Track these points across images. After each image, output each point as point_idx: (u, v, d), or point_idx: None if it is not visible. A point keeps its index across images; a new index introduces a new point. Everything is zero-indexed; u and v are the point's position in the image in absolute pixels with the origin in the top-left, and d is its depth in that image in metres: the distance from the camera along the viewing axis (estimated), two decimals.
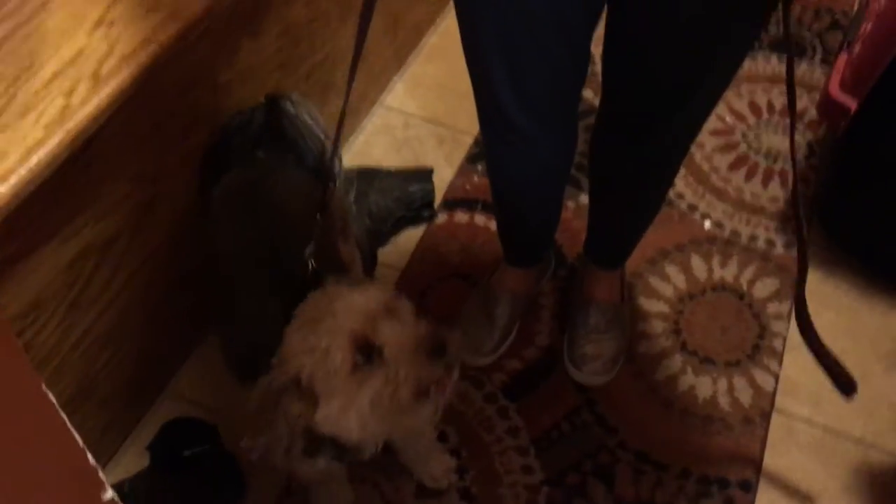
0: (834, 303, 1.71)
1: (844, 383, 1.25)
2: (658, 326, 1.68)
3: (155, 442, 1.34)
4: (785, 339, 1.65)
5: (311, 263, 1.14)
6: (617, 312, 1.61)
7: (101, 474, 0.67)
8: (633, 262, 1.71)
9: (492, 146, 1.37)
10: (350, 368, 0.98)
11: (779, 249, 1.78)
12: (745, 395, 1.57)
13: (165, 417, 1.45)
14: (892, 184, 1.61)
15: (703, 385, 1.59)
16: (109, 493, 0.67)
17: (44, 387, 0.61)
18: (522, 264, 1.62)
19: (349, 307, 1.01)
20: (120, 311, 1.32)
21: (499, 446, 1.51)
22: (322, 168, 1.42)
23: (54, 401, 0.62)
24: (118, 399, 1.42)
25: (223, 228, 1.32)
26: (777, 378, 1.60)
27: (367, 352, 0.99)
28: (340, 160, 1.68)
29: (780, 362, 1.62)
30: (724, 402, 1.56)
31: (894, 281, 1.72)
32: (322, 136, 1.50)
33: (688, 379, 1.60)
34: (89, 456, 0.66)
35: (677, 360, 1.62)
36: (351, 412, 1.01)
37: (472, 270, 1.76)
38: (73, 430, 0.64)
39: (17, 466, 0.59)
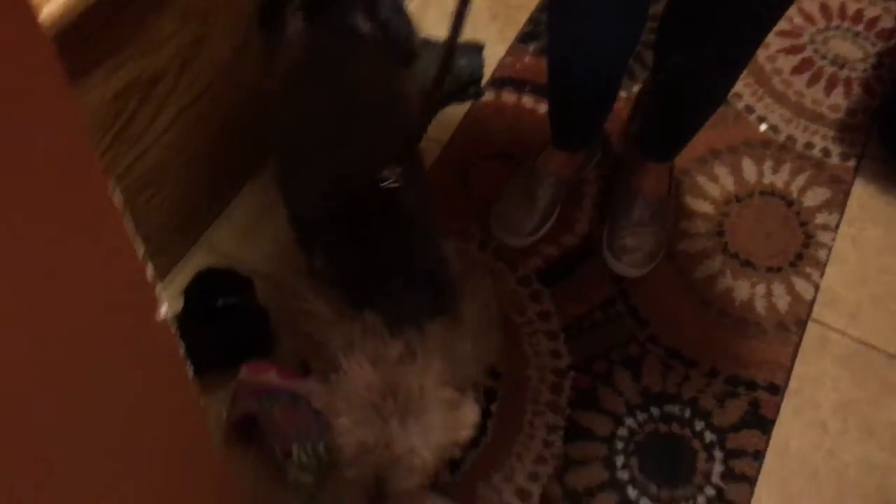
0: (884, 219, 1.66)
1: None
2: (701, 226, 1.64)
3: (189, 287, 1.33)
4: (830, 250, 1.61)
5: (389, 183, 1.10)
6: (662, 206, 1.57)
7: (157, 290, 0.65)
8: (682, 159, 1.65)
9: (556, 24, 1.31)
10: None
11: (834, 159, 1.72)
12: (782, 302, 1.55)
13: (198, 267, 1.44)
14: None
15: (741, 288, 1.56)
16: (164, 309, 0.65)
17: (110, 188, 0.58)
18: (569, 148, 1.57)
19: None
20: (161, 152, 1.28)
21: (529, 328, 1.50)
22: (408, 52, 1.36)
23: (118, 204, 0.59)
24: (153, 242, 1.41)
25: (293, 94, 1.26)
26: (817, 288, 1.57)
27: None
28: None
29: (822, 273, 1.59)
30: (760, 306, 1.54)
31: None
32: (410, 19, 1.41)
33: (726, 281, 1.57)
34: (148, 269, 0.64)
35: (717, 262, 1.59)
36: None
37: (516, 151, 1.71)
38: (134, 239, 0.62)
39: (78, 269, 0.57)
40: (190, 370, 0.71)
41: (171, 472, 0.79)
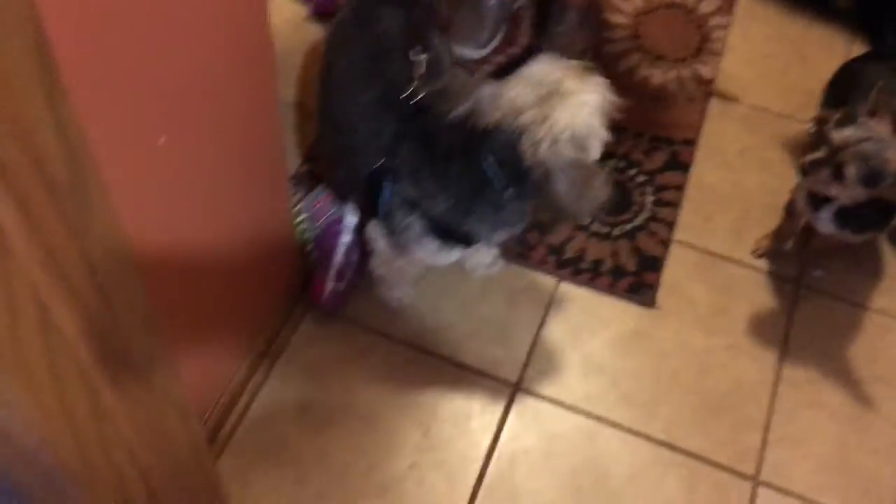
0: (765, 17, 2.04)
1: None
2: (620, 33, 1.99)
3: None
4: (723, 43, 1.99)
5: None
6: (586, 15, 1.91)
7: None
8: None
9: None
10: None
11: None
12: (689, 82, 1.91)
13: None
14: None
15: (656, 75, 1.92)
16: None
17: None
18: None
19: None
20: None
21: None
22: None
23: None
24: None
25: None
26: (716, 70, 1.94)
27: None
28: None
29: (719, 60, 1.96)
30: (672, 86, 1.90)
31: (815, 3, 2.05)
32: None
33: (643, 71, 1.93)
34: None
35: (635, 58, 1.95)
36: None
37: None
38: None
39: None
40: None
41: None
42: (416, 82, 1.34)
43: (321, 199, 1.60)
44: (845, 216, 1.43)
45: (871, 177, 1.29)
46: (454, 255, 1.44)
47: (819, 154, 1.34)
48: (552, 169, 1.22)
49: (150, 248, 0.96)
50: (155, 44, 0.83)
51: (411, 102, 1.34)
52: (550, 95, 1.22)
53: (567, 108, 1.22)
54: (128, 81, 0.81)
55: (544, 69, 1.26)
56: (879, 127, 1.32)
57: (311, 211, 1.60)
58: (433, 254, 1.41)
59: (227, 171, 1.13)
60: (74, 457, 0.70)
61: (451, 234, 1.37)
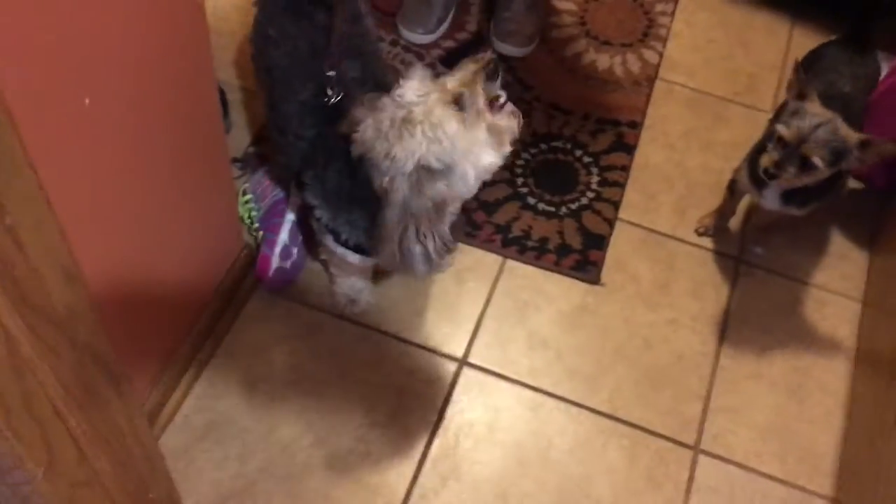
0: (709, 5, 2.08)
1: None
2: (567, 19, 2.02)
3: None
4: (669, 30, 2.02)
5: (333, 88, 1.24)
6: (535, 0, 1.94)
7: None
8: None
9: None
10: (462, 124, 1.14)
11: None
12: (635, 67, 1.95)
13: None
14: None
15: (602, 60, 1.95)
16: None
17: None
18: None
19: (411, 89, 1.15)
20: None
21: None
22: None
23: None
24: None
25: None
26: (661, 56, 1.98)
27: (457, 102, 1.16)
28: None
29: (664, 45, 1.99)
30: (618, 70, 1.93)
31: None
32: None
33: (590, 55, 1.96)
34: None
35: (582, 42, 1.98)
36: (480, 152, 1.16)
37: None
38: None
39: None
40: None
41: None
42: (332, 91, 1.27)
43: (267, 179, 1.61)
44: (791, 192, 1.47)
45: (837, 157, 1.35)
46: (362, 259, 1.36)
47: (775, 155, 1.37)
48: (390, 203, 1.13)
49: (81, 219, 0.96)
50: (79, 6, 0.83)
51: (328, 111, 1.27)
52: (403, 123, 1.12)
53: (412, 139, 1.11)
54: (52, 40, 0.81)
55: (411, 90, 1.14)
56: (813, 107, 1.36)
57: (256, 191, 1.60)
58: (346, 255, 1.36)
59: (163, 143, 1.13)
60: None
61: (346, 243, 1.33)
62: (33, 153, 0.67)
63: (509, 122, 1.22)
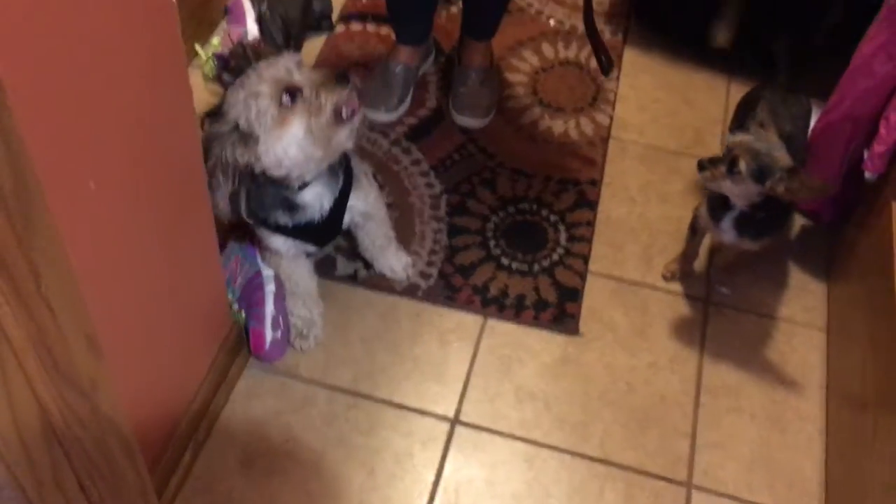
0: (650, 68, 2.22)
1: (605, 65, 2.03)
2: (520, 90, 2.14)
3: None
4: (616, 94, 2.15)
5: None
6: (488, 74, 2.06)
7: None
8: (499, 48, 2.15)
9: None
10: (278, 108, 1.30)
11: (607, 36, 2.27)
12: (588, 129, 2.06)
13: None
14: None
15: (557, 125, 2.06)
16: None
17: None
18: (410, 41, 2.03)
19: (269, 66, 1.33)
20: None
21: (406, 172, 1.93)
22: None
23: None
24: None
25: None
26: (612, 117, 2.09)
27: (290, 92, 1.31)
28: None
29: (613, 108, 2.12)
30: (573, 133, 2.04)
31: (694, 49, 2.24)
32: None
33: (545, 122, 2.07)
34: None
35: (536, 111, 2.09)
36: (288, 140, 1.31)
37: (368, 62, 2.16)
38: None
39: None
40: None
41: None
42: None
43: (233, 258, 1.64)
44: (744, 222, 1.56)
45: (761, 171, 1.43)
46: (305, 249, 1.55)
47: (717, 155, 1.49)
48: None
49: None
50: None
51: None
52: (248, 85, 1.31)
53: (239, 99, 1.31)
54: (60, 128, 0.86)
55: (271, 66, 1.33)
56: (769, 136, 1.48)
57: (226, 272, 1.64)
58: (286, 248, 1.53)
59: (156, 224, 1.18)
60: (26, 474, 0.72)
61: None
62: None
63: (341, 135, 1.37)
